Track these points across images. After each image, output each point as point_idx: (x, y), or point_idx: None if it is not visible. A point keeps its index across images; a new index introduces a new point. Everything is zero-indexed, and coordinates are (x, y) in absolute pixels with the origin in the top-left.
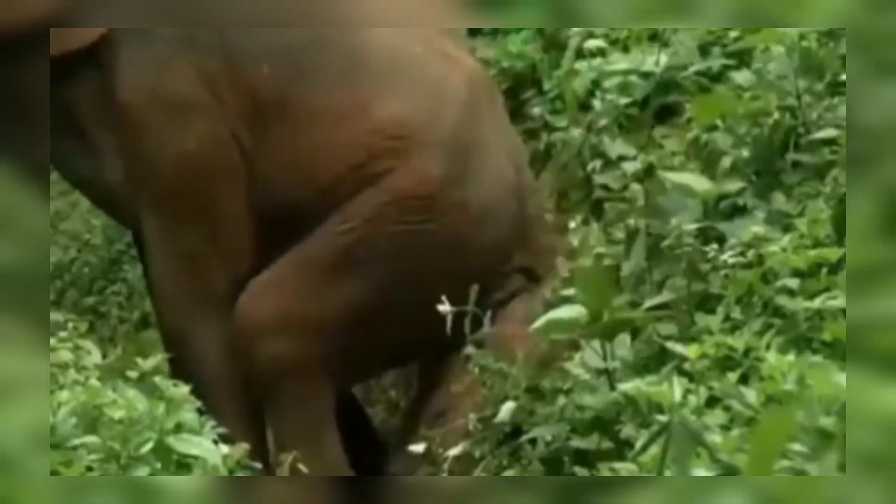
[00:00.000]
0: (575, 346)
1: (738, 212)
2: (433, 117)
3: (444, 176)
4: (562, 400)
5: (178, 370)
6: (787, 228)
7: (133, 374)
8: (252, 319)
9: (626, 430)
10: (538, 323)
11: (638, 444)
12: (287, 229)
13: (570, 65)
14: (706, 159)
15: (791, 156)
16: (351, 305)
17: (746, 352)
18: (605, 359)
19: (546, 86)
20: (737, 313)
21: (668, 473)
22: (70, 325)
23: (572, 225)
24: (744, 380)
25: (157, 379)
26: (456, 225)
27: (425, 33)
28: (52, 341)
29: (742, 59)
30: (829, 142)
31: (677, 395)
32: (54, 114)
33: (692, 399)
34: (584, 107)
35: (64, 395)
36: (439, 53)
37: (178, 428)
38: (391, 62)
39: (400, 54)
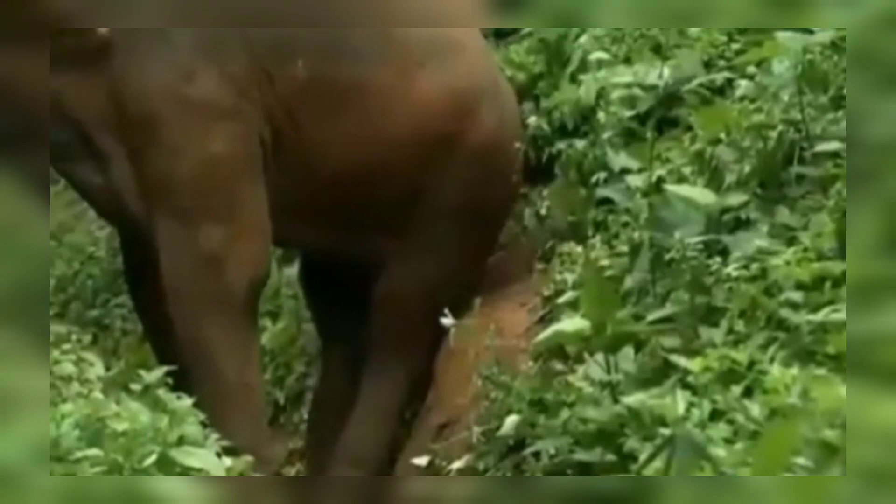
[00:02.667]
0: (578, 359)
1: (741, 225)
2: (476, 74)
3: (498, 121)
4: (565, 413)
5: (191, 375)
6: (790, 241)
7: (136, 386)
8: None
9: (630, 444)
10: (542, 335)
11: (641, 458)
12: (347, 202)
13: (574, 77)
14: (710, 172)
15: (795, 169)
16: (473, 258)
17: (750, 365)
18: (608, 372)
19: (548, 97)
20: (740, 326)
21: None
22: (73, 337)
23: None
24: (747, 393)
25: (161, 392)
26: (511, 161)
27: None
28: (56, 354)
29: (745, 71)
30: (833, 155)
31: (681, 408)
32: (61, 123)
33: (696, 412)
34: (586, 119)
35: (67, 407)
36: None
37: (182, 440)
38: (423, 34)
39: (430, 27)
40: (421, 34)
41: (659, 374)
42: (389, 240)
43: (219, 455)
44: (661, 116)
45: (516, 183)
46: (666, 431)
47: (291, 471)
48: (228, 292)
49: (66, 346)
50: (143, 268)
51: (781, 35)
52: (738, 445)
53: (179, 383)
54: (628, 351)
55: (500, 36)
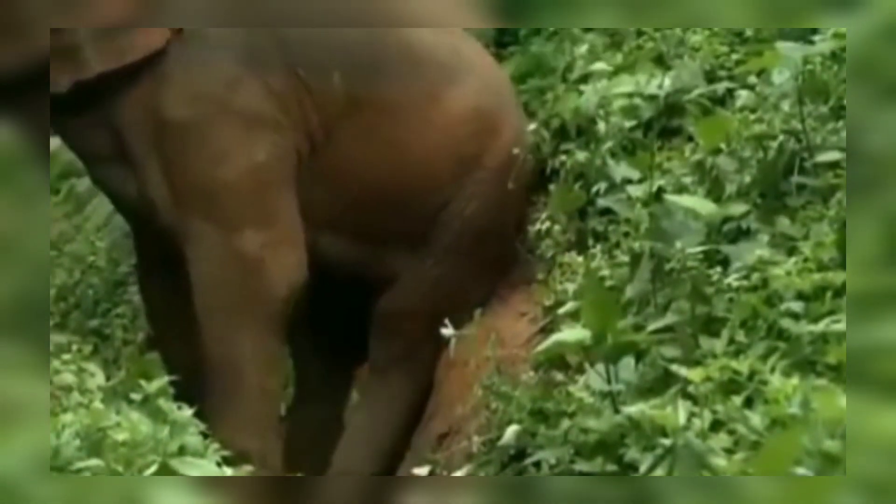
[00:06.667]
0: (578, 369)
1: (742, 235)
2: (496, 94)
3: (514, 139)
4: (566, 423)
5: (209, 376)
6: (791, 251)
7: (137, 396)
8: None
9: (631, 454)
10: (543, 345)
11: (642, 468)
12: (375, 217)
13: (574, 86)
14: (710, 182)
15: (795, 179)
16: (487, 277)
17: (751, 375)
18: (609, 382)
19: (544, 110)
20: (741, 336)
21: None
22: (74, 347)
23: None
24: (748, 403)
25: (161, 401)
26: (524, 177)
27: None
28: (56, 364)
29: (746, 81)
30: (834, 165)
31: (682, 418)
32: (98, 130)
33: (696, 422)
34: (580, 131)
35: (67, 417)
36: (471, 45)
37: (182, 450)
38: (441, 51)
39: (451, 47)
40: (449, 51)
41: (660, 383)
42: (405, 254)
43: (219, 465)
44: (661, 126)
45: (527, 199)
46: (667, 441)
47: None
48: (267, 297)
49: (67, 356)
50: (158, 267)
51: (781, 45)
52: (739, 455)
53: (180, 393)
54: (629, 361)
55: (500, 46)
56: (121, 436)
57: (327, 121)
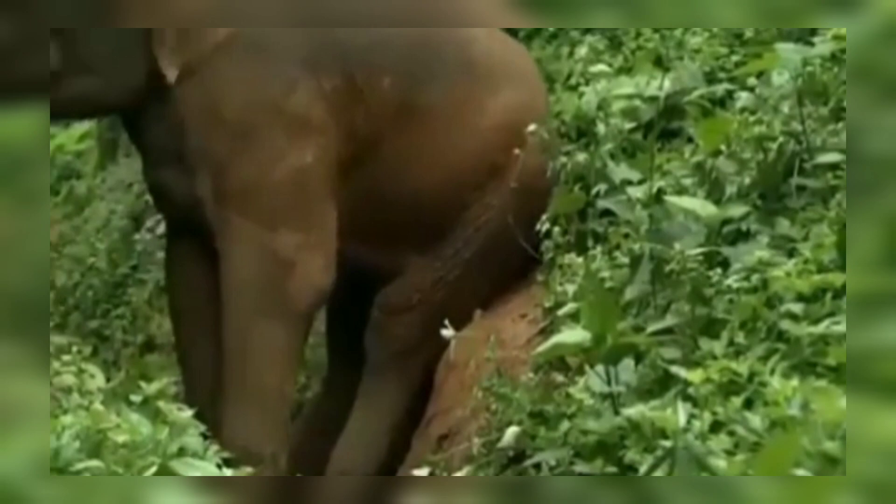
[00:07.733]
0: (578, 371)
1: (742, 236)
2: (532, 105)
3: (545, 154)
4: (566, 424)
5: (226, 375)
6: (791, 253)
7: (137, 397)
8: (396, 306)
9: (630, 455)
10: (543, 347)
11: (642, 469)
12: (399, 221)
13: (575, 88)
14: (710, 184)
15: (795, 180)
16: (490, 283)
17: (750, 376)
18: (608, 383)
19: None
20: (741, 338)
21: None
22: (74, 348)
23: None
24: (748, 405)
25: (161, 403)
26: (544, 190)
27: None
28: (56, 365)
29: (746, 83)
30: (834, 167)
31: (681, 419)
32: (163, 128)
33: (696, 424)
34: (581, 133)
35: (67, 419)
36: (512, 45)
37: (182, 452)
38: (492, 57)
39: (495, 49)
40: (499, 56)
41: (659, 385)
42: (414, 255)
43: (219, 466)
44: (661, 128)
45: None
46: (666, 443)
47: None
48: (292, 299)
49: (67, 358)
50: (189, 271)
51: (781, 47)
52: (739, 457)
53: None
54: (629, 362)
55: None
56: (121, 437)
57: (374, 127)
